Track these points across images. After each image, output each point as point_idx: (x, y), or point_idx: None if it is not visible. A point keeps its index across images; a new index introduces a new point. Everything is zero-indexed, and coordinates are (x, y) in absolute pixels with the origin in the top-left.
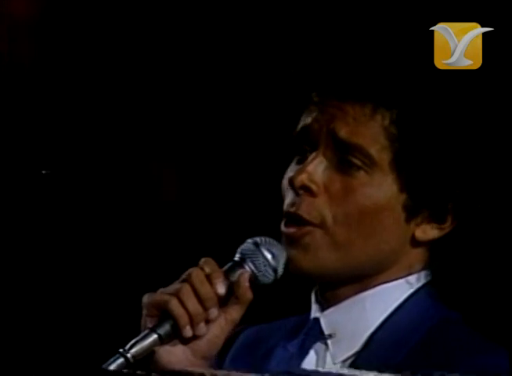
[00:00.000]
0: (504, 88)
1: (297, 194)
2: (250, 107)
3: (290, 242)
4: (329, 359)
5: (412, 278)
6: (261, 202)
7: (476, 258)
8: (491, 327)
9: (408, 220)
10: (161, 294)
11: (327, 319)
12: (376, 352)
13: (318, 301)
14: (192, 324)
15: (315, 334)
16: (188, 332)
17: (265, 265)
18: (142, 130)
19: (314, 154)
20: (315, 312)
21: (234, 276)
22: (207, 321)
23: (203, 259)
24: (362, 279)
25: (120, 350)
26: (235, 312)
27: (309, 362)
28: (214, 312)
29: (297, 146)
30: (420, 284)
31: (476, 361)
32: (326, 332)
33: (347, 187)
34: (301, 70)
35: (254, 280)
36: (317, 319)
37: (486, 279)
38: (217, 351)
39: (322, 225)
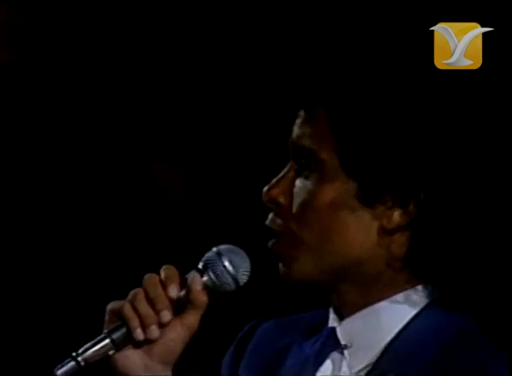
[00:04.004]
0: (504, 88)
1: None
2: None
3: (275, 255)
4: (345, 368)
5: (420, 287)
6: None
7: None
8: (506, 327)
9: (368, 211)
10: (120, 301)
11: (343, 330)
12: (392, 364)
13: (334, 310)
14: (144, 327)
15: (332, 344)
16: (139, 335)
17: (223, 274)
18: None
19: (286, 168)
20: (332, 321)
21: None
22: (162, 325)
23: (163, 266)
24: (363, 285)
25: (73, 354)
26: (191, 317)
27: (325, 370)
28: (166, 314)
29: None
30: (432, 296)
31: None
32: (343, 342)
33: (304, 190)
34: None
35: (213, 287)
36: (334, 329)
37: (488, 275)
38: (176, 356)
39: (287, 231)
